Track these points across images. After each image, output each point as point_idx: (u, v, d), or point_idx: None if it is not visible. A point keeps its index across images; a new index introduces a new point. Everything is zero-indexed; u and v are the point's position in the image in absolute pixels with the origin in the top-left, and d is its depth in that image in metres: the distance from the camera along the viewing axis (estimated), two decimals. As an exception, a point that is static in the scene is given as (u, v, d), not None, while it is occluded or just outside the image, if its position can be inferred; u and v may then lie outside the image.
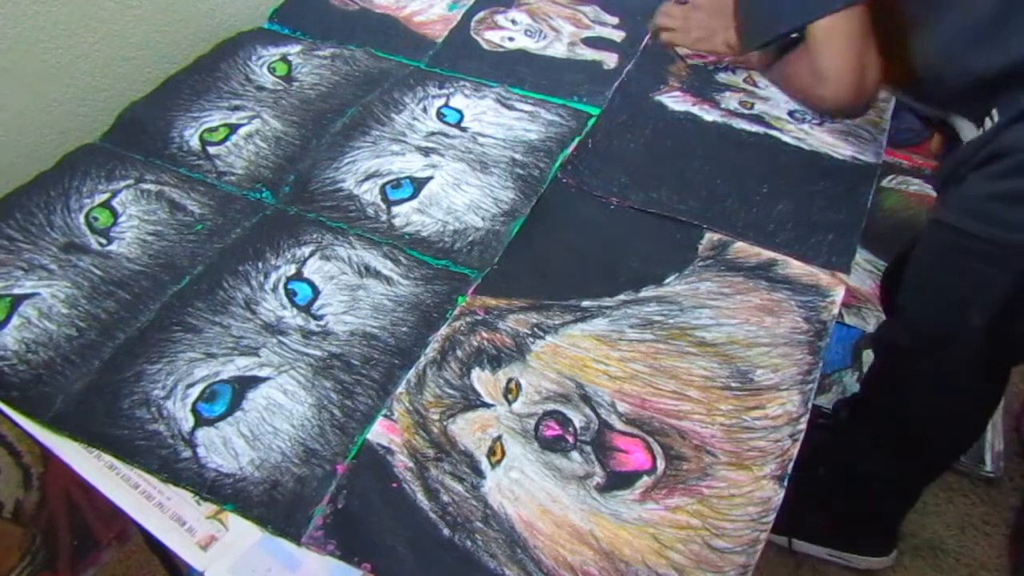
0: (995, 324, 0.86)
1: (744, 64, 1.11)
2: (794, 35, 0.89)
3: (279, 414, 0.73)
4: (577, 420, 0.73)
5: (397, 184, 0.95)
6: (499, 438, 0.71)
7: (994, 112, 0.82)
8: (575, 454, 0.70)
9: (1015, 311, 0.85)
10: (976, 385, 0.98)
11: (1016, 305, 0.84)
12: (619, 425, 0.72)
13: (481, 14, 1.25)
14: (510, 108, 1.07)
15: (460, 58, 1.16)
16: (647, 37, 1.19)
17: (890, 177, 1.82)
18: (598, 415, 0.73)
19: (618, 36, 1.20)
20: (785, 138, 1.02)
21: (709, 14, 1.07)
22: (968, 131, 0.87)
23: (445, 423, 0.72)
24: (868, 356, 1.51)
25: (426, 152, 0.99)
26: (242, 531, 0.66)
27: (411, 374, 0.76)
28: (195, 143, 1.01)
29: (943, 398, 0.99)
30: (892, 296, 1.25)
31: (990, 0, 0.78)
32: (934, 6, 0.83)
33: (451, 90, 1.10)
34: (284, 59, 1.15)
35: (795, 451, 0.70)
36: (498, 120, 1.05)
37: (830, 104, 0.88)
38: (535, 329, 0.80)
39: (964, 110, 0.87)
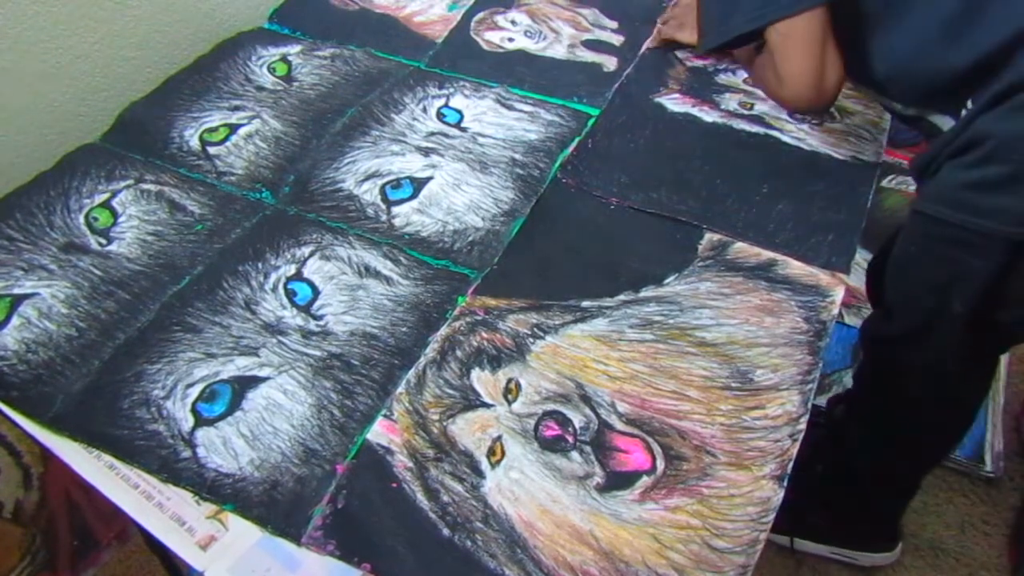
0: (976, 311, 0.87)
1: (733, 62, 1.12)
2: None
3: (279, 414, 0.73)
4: (577, 420, 0.73)
5: (397, 184, 0.95)
6: (499, 438, 0.71)
7: (968, 103, 0.82)
8: (575, 454, 0.70)
9: (995, 298, 0.85)
10: (962, 373, 0.98)
11: (996, 292, 0.84)
12: (619, 425, 0.72)
13: (481, 14, 1.25)
14: (510, 108, 1.07)
15: (460, 58, 1.16)
16: (646, 42, 1.19)
17: (890, 177, 1.82)
18: (598, 415, 0.73)
19: (617, 40, 1.20)
20: (785, 138, 1.02)
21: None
22: (948, 126, 0.87)
23: (445, 423, 0.72)
24: (868, 356, 1.51)
25: (426, 152, 0.99)
26: (242, 531, 0.66)
27: (411, 374, 0.76)
28: (195, 143, 1.01)
29: (930, 388, 0.99)
30: (878, 289, 1.25)
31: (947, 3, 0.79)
32: (899, 5, 0.83)
33: (451, 90, 1.10)
34: (284, 59, 1.15)
35: (795, 451, 0.70)
36: (498, 120, 1.05)
37: (790, 106, 0.92)
38: (535, 329, 0.80)
39: (941, 106, 0.87)
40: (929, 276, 0.90)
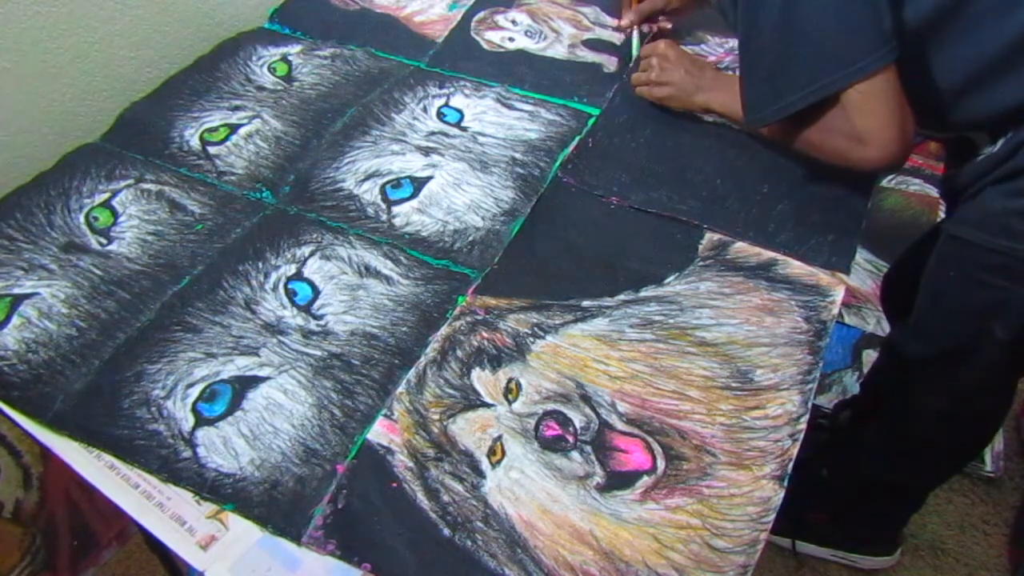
0: (1016, 337, 0.86)
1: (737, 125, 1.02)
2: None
3: (279, 414, 0.73)
4: (577, 420, 0.73)
5: (397, 184, 0.95)
6: (499, 438, 0.71)
7: (1008, 131, 0.82)
8: (575, 454, 0.70)
9: None
10: (988, 396, 0.97)
11: None
12: (619, 425, 0.72)
13: (481, 14, 1.25)
14: (510, 108, 1.07)
15: (460, 58, 1.16)
16: (646, 40, 1.19)
17: (890, 177, 1.82)
18: (598, 415, 0.73)
19: (618, 39, 1.20)
20: (785, 138, 1.02)
21: (686, 70, 1.00)
22: (984, 143, 0.86)
23: (445, 423, 0.72)
24: (868, 356, 1.52)
25: (426, 152, 0.99)
26: (242, 531, 0.66)
27: (411, 374, 0.76)
28: (195, 143, 1.01)
29: (954, 408, 0.98)
30: (894, 300, 1.25)
31: (1005, 36, 0.78)
32: (948, 40, 0.81)
33: (451, 90, 1.10)
34: (284, 59, 1.15)
35: (795, 451, 0.70)
36: (498, 120, 1.05)
37: (875, 164, 0.84)
38: (535, 329, 0.80)
39: (980, 130, 0.86)
40: (969, 302, 0.89)
